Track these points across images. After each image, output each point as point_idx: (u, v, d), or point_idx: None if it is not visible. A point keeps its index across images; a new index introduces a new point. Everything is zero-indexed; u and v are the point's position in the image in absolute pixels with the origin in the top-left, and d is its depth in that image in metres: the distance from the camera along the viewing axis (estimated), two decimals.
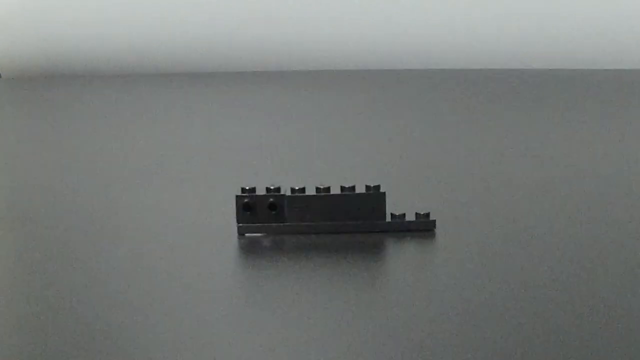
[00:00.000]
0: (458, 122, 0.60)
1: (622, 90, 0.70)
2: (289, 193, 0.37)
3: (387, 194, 0.37)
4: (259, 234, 0.37)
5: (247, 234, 0.37)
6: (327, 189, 0.37)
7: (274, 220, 0.37)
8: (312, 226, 0.37)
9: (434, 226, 0.37)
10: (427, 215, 0.37)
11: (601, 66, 0.81)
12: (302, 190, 0.37)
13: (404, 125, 0.59)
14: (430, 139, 0.55)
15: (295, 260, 0.34)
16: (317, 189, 0.37)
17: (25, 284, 0.32)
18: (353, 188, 0.37)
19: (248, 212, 0.37)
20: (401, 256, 0.34)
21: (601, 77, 0.77)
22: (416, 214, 0.37)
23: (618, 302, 0.30)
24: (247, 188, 0.37)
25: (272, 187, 0.37)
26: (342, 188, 0.37)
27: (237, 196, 0.37)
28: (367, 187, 0.36)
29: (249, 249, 0.36)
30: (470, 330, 0.28)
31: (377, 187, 0.36)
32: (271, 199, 0.37)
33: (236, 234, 0.37)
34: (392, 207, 0.40)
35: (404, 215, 0.36)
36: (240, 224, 0.37)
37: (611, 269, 0.33)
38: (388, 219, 0.37)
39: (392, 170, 0.46)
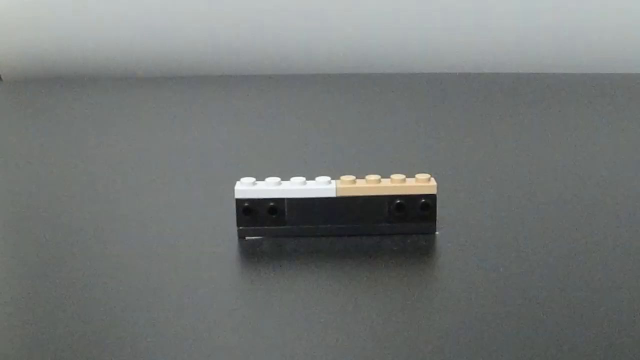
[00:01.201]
0: (462, 123, 0.60)
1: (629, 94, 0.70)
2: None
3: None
4: (259, 237, 0.37)
5: (247, 237, 0.37)
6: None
7: (275, 224, 0.37)
8: (313, 229, 0.37)
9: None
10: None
11: (612, 70, 0.81)
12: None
13: (406, 126, 0.59)
14: (433, 141, 0.55)
15: (296, 263, 0.34)
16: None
17: (24, 284, 0.32)
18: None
19: (248, 216, 0.37)
20: (402, 258, 0.35)
21: (612, 80, 0.77)
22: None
23: (623, 294, 0.30)
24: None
25: None
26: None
27: (237, 199, 0.37)
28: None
29: (249, 252, 0.36)
30: (475, 333, 0.28)
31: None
32: (271, 203, 0.37)
33: (236, 237, 0.37)
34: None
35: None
36: (241, 227, 0.37)
37: (619, 262, 0.33)
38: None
39: (393, 170, 0.47)
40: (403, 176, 0.37)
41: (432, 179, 0.37)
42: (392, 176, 0.37)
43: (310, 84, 0.76)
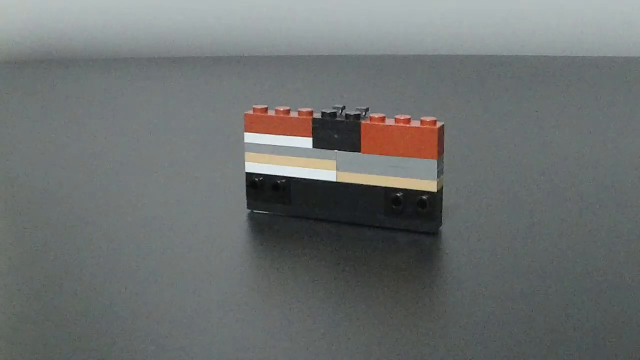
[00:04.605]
0: (467, 107, 0.55)
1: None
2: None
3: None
4: (266, 212, 0.37)
5: (255, 211, 0.38)
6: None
7: (280, 202, 0.37)
8: (314, 212, 0.36)
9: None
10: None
11: (606, 54, 0.73)
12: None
13: (409, 111, 0.55)
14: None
15: (303, 244, 0.34)
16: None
17: (25, 280, 0.32)
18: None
19: (255, 190, 0.37)
20: (405, 244, 0.33)
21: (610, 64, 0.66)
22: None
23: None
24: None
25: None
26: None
27: (247, 173, 0.37)
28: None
29: (256, 228, 0.36)
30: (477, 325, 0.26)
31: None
32: (277, 181, 0.37)
33: (245, 208, 0.38)
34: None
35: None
36: (249, 200, 0.37)
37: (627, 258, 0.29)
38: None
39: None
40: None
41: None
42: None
43: (311, 65, 0.71)
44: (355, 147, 0.35)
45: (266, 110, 0.37)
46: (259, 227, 0.36)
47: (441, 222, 0.35)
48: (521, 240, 0.34)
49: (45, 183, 0.42)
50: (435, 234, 0.35)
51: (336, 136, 0.35)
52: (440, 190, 0.34)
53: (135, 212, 0.38)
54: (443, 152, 0.34)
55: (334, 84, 0.63)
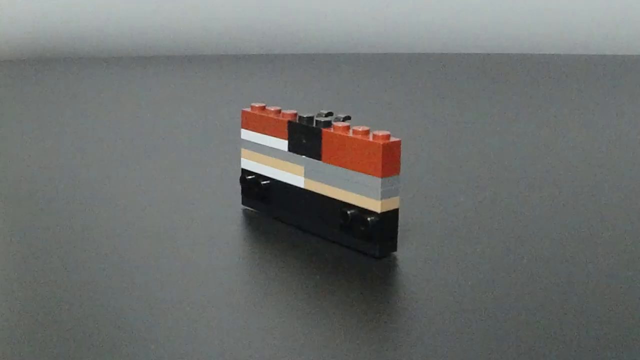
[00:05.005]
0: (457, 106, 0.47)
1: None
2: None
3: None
4: (253, 209, 0.37)
5: (243, 206, 0.38)
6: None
7: (262, 201, 0.36)
8: (289, 216, 0.35)
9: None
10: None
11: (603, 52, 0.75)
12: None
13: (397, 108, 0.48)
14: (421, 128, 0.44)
15: (300, 241, 0.34)
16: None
17: (25, 280, 0.31)
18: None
19: (245, 187, 0.37)
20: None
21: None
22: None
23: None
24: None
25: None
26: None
27: (242, 169, 0.37)
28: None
29: (252, 224, 0.36)
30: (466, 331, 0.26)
31: None
32: (261, 181, 0.36)
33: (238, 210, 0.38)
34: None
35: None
36: (242, 196, 0.38)
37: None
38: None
39: None
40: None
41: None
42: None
43: (308, 63, 0.65)
44: (318, 155, 0.34)
45: (263, 108, 0.36)
46: (255, 224, 0.36)
47: (391, 247, 0.32)
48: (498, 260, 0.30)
49: (43, 182, 0.41)
50: (378, 258, 0.32)
51: (304, 141, 0.34)
52: (391, 212, 0.32)
53: (134, 209, 0.38)
54: (396, 172, 0.32)
55: (347, 83, 0.63)
